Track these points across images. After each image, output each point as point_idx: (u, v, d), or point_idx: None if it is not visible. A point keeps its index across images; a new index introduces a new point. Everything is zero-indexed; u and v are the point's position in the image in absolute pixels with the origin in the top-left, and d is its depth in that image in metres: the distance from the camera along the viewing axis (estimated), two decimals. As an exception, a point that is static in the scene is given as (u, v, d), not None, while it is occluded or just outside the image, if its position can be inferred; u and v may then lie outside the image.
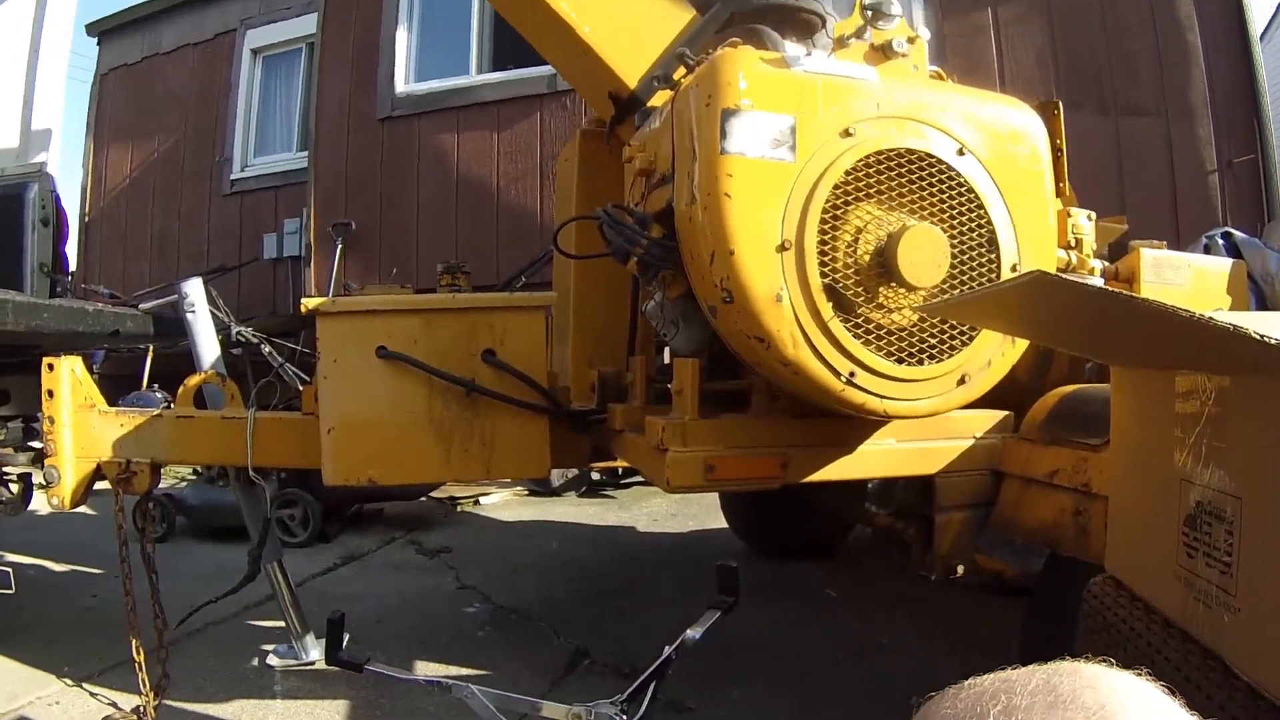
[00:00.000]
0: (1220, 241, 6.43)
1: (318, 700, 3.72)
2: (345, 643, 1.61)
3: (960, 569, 3.22)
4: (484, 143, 8.72)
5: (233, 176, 10.86)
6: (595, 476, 7.66)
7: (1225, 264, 3.86)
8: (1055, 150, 3.19)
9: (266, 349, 6.33)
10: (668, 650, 1.72)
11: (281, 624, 4.14)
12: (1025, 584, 3.57)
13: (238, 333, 6.15)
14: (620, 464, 4.96)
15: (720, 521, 5.96)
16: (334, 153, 9.18)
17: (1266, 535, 1.44)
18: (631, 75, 3.46)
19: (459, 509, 7.24)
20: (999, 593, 4.06)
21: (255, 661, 4.11)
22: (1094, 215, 3.45)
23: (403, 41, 9.11)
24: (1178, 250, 3.80)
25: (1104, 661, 0.66)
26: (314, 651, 4.06)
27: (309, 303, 3.39)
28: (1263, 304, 6.16)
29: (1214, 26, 8.31)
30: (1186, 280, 3.57)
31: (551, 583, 5.31)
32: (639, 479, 7.80)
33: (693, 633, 1.80)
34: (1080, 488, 2.70)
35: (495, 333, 3.39)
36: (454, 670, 4.03)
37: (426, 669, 4.04)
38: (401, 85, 9.04)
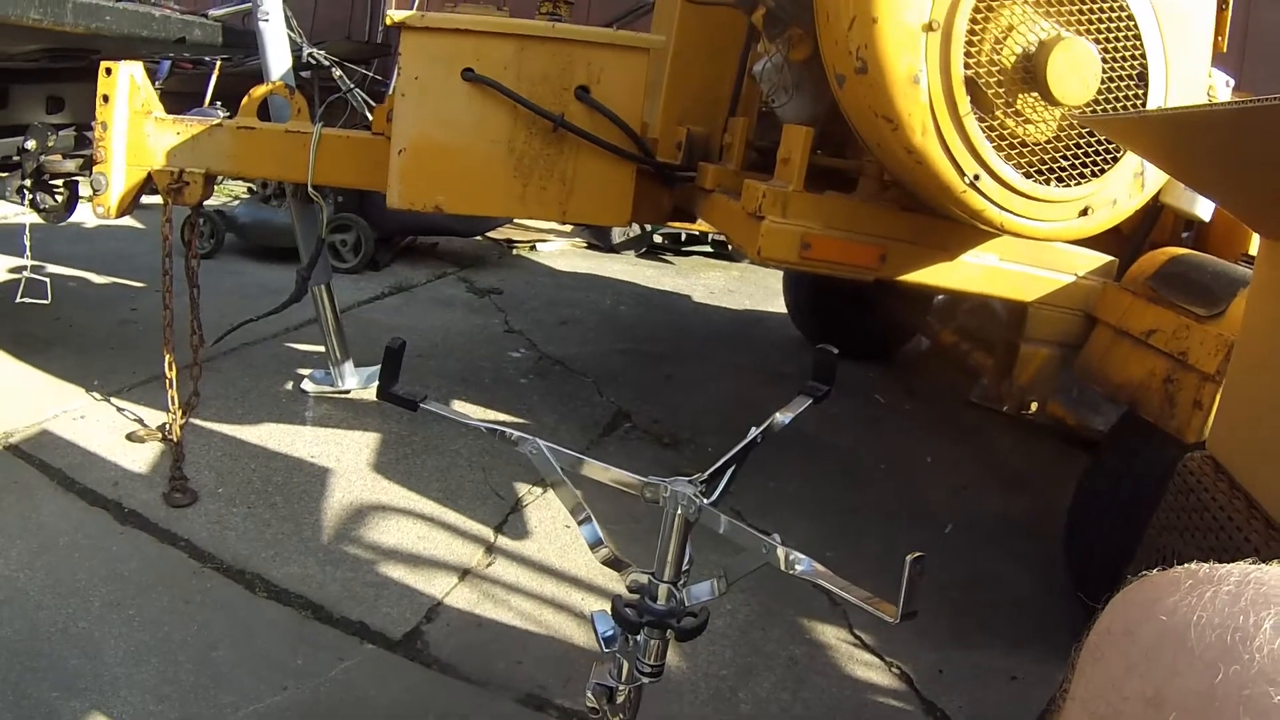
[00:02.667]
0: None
1: (348, 430, 3.67)
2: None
3: (1035, 405, 3.10)
4: None
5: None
6: (657, 239, 7.44)
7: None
8: (1221, 2, 2.91)
9: (337, 73, 6.14)
10: (754, 432, 1.59)
11: (321, 349, 4.05)
12: (1082, 436, 3.46)
13: (309, 54, 5.93)
14: (698, 227, 4.76)
15: (777, 305, 5.81)
16: None
17: None
18: None
19: (515, 252, 7.10)
20: (1059, 437, 3.94)
21: (289, 385, 4.05)
22: (1232, 83, 3.23)
23: None
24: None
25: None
26: (351, 379, 4.00)
27: (395, 15, 3.20)
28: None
29: None
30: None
31: (600, 338, 5.22)
32: (700, 247, 7.62)
33: (782, 417, 1.67)
34: (1177, 355, 2.56)
35: (592, 69, 3.20)
36: (492, 415, 3.97)
37: (465, 409, 3.97)
38: None
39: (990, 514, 3.63)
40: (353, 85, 6.74)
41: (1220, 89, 3.17)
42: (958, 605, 2.94)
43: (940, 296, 4.09)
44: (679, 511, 1.39)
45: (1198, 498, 1.80)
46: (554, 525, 3.17)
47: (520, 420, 3.96)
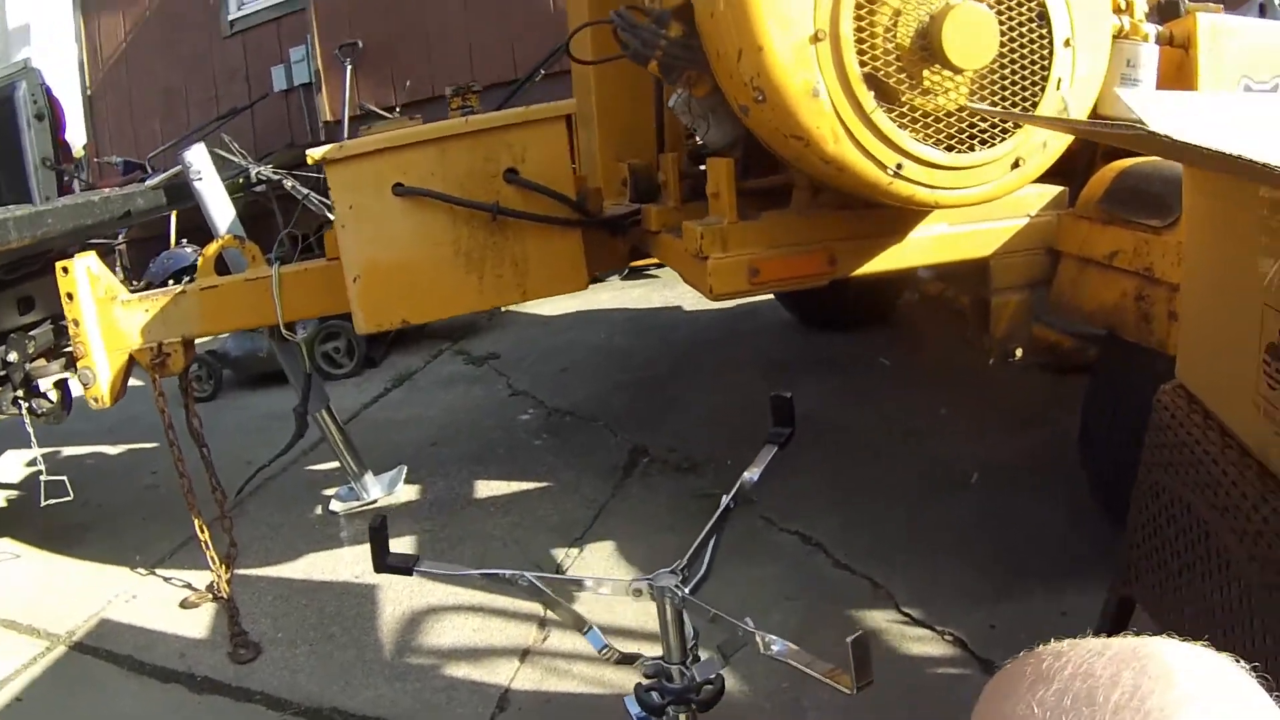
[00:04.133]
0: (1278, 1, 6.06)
1: None
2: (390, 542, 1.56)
3: (1019, 351, 3.13)
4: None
5: (231, 17, 10.40)
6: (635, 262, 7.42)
7: (1286, 28, 3.60)
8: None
9: (289, 183, 6.21)
10: (725, 499, 1.65)
11: (339, 464, 4.12)
12: (1082, 360, 3.50)
13: (257, 173, 6.01)
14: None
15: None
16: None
17: None
18: None
19: (502, 309, 7.12)
20: (1055, 371, 3.97)
21: (319, 510, 4.13)
22: (1156, -16, 3.22)
23: None
24: (1233, 12, 3.54)
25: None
26: (374, 490, 4.08)
27: (314, 153, 3.27)
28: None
29: None
30: (1245, 45, 3.34)
31: (602, 378, 5.27)
32: None
33: (750, 475, 1.73)
34: (1142, 271, 2.59)
35: (515, 151, 3.26)
36: (514, 486, 4.04)
37: (486, 488, 4.06)
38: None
39: (1012, 455, 3.68)
40: (308, 191, 6.80)
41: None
42: (995, 555, 3.01)
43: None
44: (667, 602, 1.47)
45: (1175, 433, 1.83)
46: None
47: (542, 484, 4.03)
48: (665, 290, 6.84)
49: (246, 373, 6.22)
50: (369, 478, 4.08)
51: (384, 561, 1.57)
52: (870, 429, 4.09)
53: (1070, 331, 3.61)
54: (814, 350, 5.15)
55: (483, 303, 3.51)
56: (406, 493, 4.12)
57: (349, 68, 8.57)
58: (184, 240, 7.67)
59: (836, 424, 4.12)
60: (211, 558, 3.48)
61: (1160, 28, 3.22)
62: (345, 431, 4.08)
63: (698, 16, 2.50)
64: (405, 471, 4.22)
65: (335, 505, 4.07)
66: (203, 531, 3.50)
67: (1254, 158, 1.16)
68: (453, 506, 3.96)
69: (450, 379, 5.71)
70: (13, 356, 3.66)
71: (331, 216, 3.54)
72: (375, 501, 4.04)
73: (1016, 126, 2.52)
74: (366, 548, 1.61)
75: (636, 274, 7.42)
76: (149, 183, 4.47)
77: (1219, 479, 1.62)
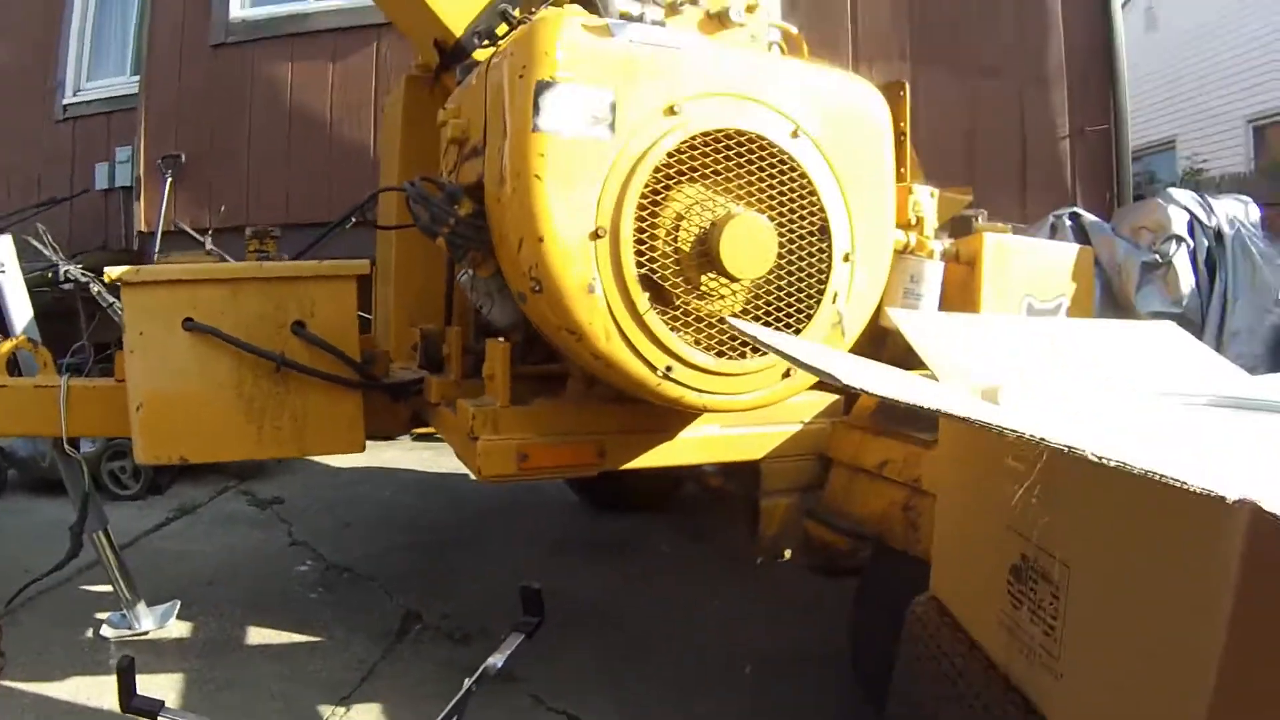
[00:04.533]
0: (1068, 223, 6.48)
1: (152, 674, 3.53)
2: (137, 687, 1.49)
3: (787, 553, 3.17)
4: (319, 72, 8.41)
5: (65, 101, 10.24)
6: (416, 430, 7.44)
7: (1072, 250, 3.81)
8: (899, 133, 3.08)
9: (95, 289, 6.07)
10: (467, 683, 1.64)
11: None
12: (854, 563, 3.55)
13: (66, 271, 5.87)
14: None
15: None
16: (165, 79, 8.76)
17: (1093, 613, 1.40)
18: (457, 23, 3.29)
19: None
20: (830, 573, 4.03)
21: (90, 632, 3.91)
22: (937, 192, 3.36)
23: (242, -40, 8.78)
24: (1026, 226, 3.74)
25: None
26: (146, 621, 3.91)
27: (111, 272, 3.18)
28: (1107, 292, 6.23)
29: (1077, -6, 8.34)
30: (1030, 266, 3.52)
31: (384, 537, 5.19)
32: None
33: (495, 660, 1.72)
34: (911, 483, 2.66)
35: (305, 304, 3.23)
36: (285, 637, 3.91)
37: (259, 634, 3.92)
38: (237, 10, 8.64)
39: (786, 647, 3.70)
40: (113, 300, 6.63)
41: (925, 202, 3.32)
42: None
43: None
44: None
45: (926, 646, 1.87)
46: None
47: (314, 638, 3.90)
48: (454, 457, 6.83)
49: (32, 475, 5.95)
50: (142, 607, 3.91)
51: (129, 703, 1.50)
52: (646, 614, 4.08)
53: (844, 531, 3.67)
54: (596, 531, 5.16)
55: (260, 451, 3.40)
56: (178, 628, 3.96)
57: (169, 179, 8.50)
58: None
59: (612, 607, 4.11)
60: (-24, 666, 3.29)
61: (948, 244, 3.37)
62: (121, 556, 3.92)
63: (487, 199, 2.52)
64: (179, 606, 4.06)
65: (107, 630, 3.88)
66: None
67: (962, 414, 1.21)
68: (223, 649, 3.82)
69: (233, 517, 5.55)
70: None
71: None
72: (147, 632, 3.87)
73: (793, 333, 2.58)
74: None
75: (426, 436, 7.42)
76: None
77: (965, 692, 1.66)
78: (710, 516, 5.24)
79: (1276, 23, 17.94)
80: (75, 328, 3.41)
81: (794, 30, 3.39)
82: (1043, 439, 1.14)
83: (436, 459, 6.79)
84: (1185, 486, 1.06)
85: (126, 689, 1.51)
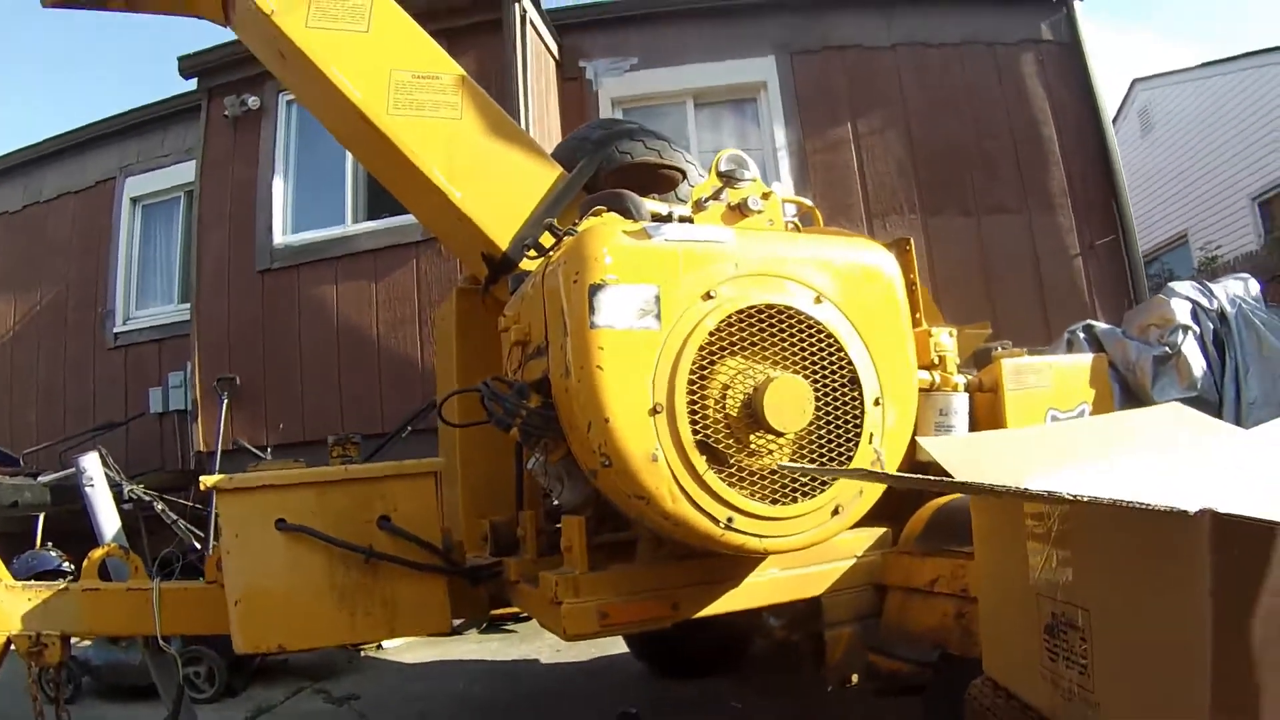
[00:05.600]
0: (1081, 336, 6.77)
1: None
2: None
3: (855, 677, 3.35)
4: (363, 292, 8.83)
5: (116, 329, 10.79)
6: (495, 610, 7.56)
7: (1086, 360, 4.09)
8: (909, 283, 3.40)
9: (159, 506, 6.32)
10: None
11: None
12: (921, 681, 3.73)
13: (130, 490, 6.13)
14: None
15: (622, 645, 5.95)
16: (215, 305, 9.21)
17: (1113, 640, 1.65)
18: (503, 236, 3.63)
19: (363, 654, 7.18)
20: (896, 694, 4.18)
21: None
22: (955, 331, 3.68)
23: (279, 191, 9.22)
24: (1046, 346, 4.00)
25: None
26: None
27: (207, 480, 3.46)
28: (1126, 390, 6.48)
29: (1068, 117, 8.81)
30: (1048, 382, 3.79)
31: (463, 723, 5.32)
32: None
33: None
34: (960, 593, 2.87)
35: (388, 500, 3.52)
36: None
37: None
38: (280, 236, 9.12)
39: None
40: (176, 517, 6.89)
41: (945, 342, 3.63)
42: None
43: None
44: None
45: (985, 717, 2.10)
46: None
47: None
48: (523, 644, 6.98)
49: (106, 681, 6.08)
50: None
51: None
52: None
53: (906, 658, 3.85)
54: (666, 697, 5.27)
55: (355, 636, 3.65)
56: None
57: (225, 401, 8.83)
58: (49, 544, 7.63)
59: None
60: None
61: (971, 376, 3.67)
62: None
63: (554, 391, 2.82)
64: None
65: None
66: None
67: (993, 483, 1.47)
68: None
69: (311, 715, 5.67)
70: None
71: (196, 545, 3.69)
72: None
73: (834, 479, 2.85)
74: None
75: (494, 628, 7.55)
76: (41, 479, 4.58)
77: None
78: (776, 671, 5.38)
79: (1263, 105, 18.44)
80: (138, 546, 3.68)
81: (808, 203, 3.74)
82: (1026, 489, 1.40)
83: (505, 649, 6.91)
84: (1150, 508, 1.33)
85: None
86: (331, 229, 9.03)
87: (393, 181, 4.02)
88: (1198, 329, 6.75)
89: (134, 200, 11.28)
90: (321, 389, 8.81)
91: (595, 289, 2.64)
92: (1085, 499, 1.37)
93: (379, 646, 7.17)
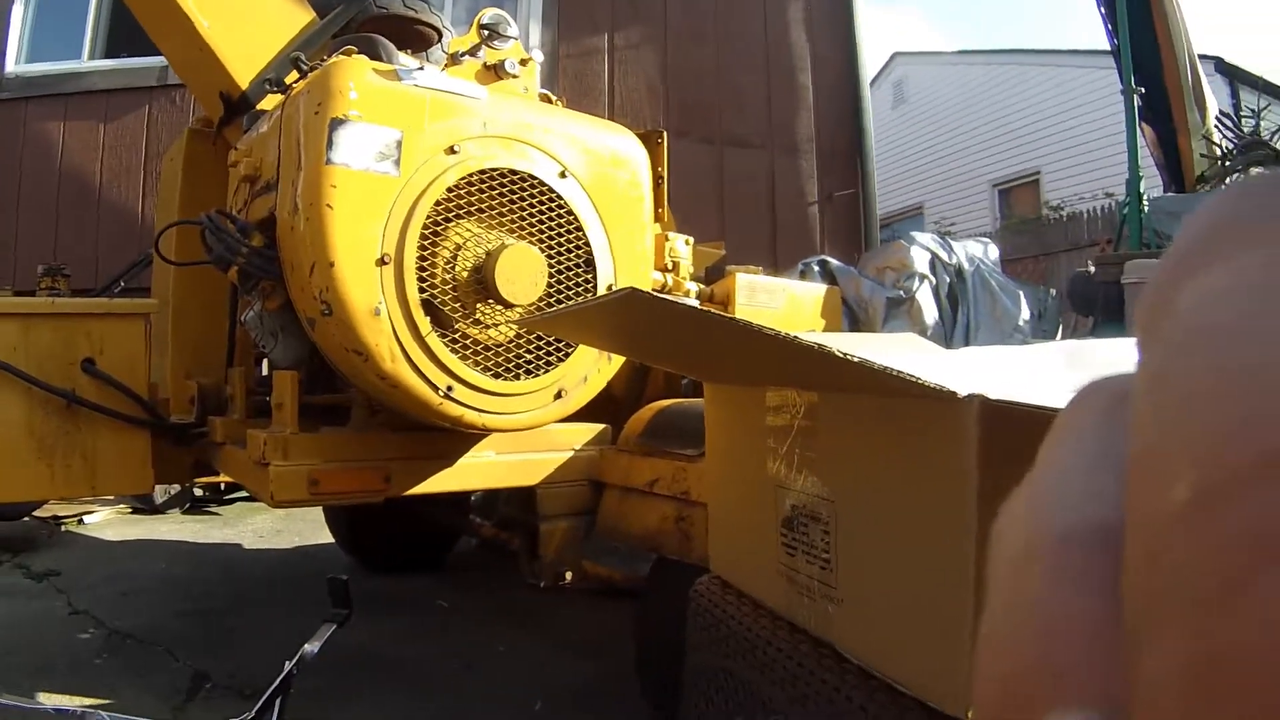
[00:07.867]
0: (816, 268, 6.94)
1: None
2: None
3: (569, 575, 3.33)
4: (91, 133, 8.27)
5: None
6: (199, 493, 7.39)
7: (819, 289, 4.17)
8: (656, 177, 3.36)
9: None
10: (288, 666, 1.77)
11: None
12: (634, 587, 3.75)
13: None
14: (223, 479, 4.81)
15: (326, 537, 5.88)
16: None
17: (859, 533, 1.60)
18: (245, 75, 3.42)
19: (63, 528, 6.82)
20: (608, 595, 4.21)
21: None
22: (692, 240, 3.67)
23: (18, 16, 8.52)
24: (775, 270, 4.08)
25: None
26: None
27: None
28: (855, 326, 6.68)
29: (826, 71, 8.98)
30: (780, 303, 3.85)
31: (163, 604, 5.10)
32: (243, 494, 7.56)
33: (310, 647, 1.86)
34: (680, 495, 2.85)
35: (94, 341, 3.27)
36: (75, 701, 3.83)
37: (47, 700, 3.84)
38: (11, 65, 8.45)
39: (574, 682, 3.84)
40: None
41: (680, 248, 3.59)
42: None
43: (476, 494, 4.34)
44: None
45: (712, 614, 2.07)
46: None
47: (104, 700, 3.85)
48: (226, 527, 6.82)
49: None
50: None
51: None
52: (428, 662, 4.15)
53: (619, 566, 3.86)
54: (372, 591, 5.20)
55: (54, 490, 3.41)
56: (-40, 698, 3.84)
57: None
58: None
59: (393, 658, 4.17)
60: None
61: (703, 286, 3.68)
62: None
63: (279, 230, 2.68)
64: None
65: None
66: None
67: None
68: (11, 717, 3.74)
69: (8, 590, 5.36)
70: None
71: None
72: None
73: (559, 360, 2.81)
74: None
75: (197, 508, 7.34)
76: None
77: (755, 642, 1.84)
78: (485, 573, 5.38)
79: (1014, 100, 19.41)
80: None
81: (553, 97, 3.68)
82: (796, 337, 1.33)
83: (208, 531, 6.73)
84: (920, 383, 1.26)
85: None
86: (66, 63, 8.43)
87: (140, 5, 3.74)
88: (934, 280, 7.00)
89: None
90: (36, 234, 8.18)
91: (336, 123, 2.50)
92: (856, 359, 1.28)
93: (80, 521, 6.87)
